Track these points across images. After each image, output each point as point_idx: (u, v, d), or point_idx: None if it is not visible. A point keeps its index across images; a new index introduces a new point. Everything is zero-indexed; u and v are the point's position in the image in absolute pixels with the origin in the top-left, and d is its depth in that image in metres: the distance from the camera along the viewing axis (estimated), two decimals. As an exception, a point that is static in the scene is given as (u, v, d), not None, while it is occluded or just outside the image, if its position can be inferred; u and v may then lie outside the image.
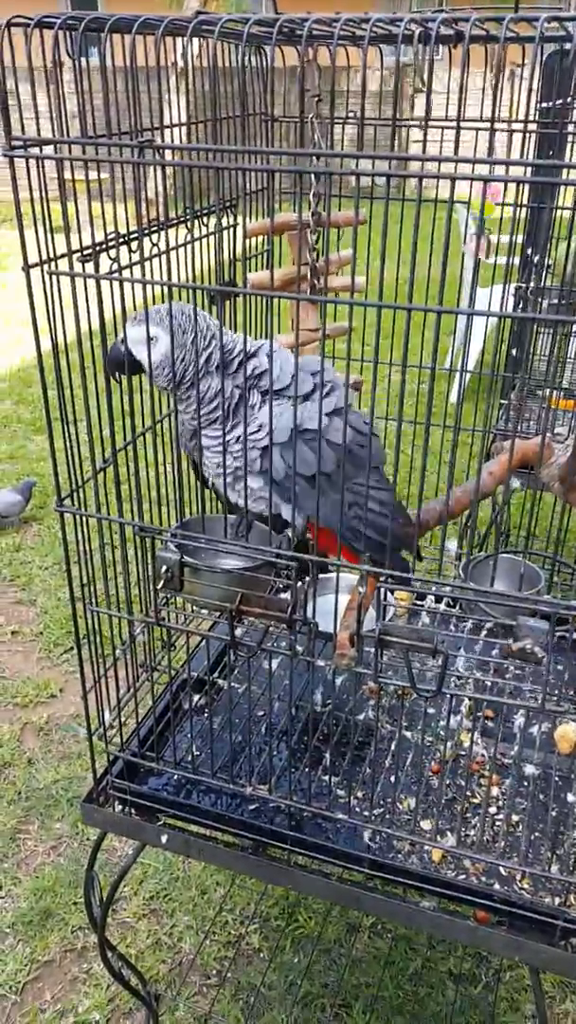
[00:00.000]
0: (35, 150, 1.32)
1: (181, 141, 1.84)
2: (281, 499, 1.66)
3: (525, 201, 3.01)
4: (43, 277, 1.40)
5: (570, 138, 2.96)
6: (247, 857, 1.69)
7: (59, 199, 1.36)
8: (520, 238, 3.24)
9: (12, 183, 1.33)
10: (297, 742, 1.88)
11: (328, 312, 2.40)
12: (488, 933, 1.53)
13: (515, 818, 1.72)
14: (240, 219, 1.97)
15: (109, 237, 1.48)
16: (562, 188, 3.04)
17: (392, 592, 1.79)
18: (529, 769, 1.80)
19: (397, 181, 1.22)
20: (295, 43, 1.61)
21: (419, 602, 2.03)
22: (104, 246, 1.46)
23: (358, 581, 1.42)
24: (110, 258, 1.46)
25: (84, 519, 1.62)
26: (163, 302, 1.61)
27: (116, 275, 1.43)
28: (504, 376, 3.22)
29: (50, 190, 1.36)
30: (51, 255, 1.39)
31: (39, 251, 1.38)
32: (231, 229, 2.00)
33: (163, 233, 1.46)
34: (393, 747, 1.85)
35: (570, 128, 2.67)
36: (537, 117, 2.70)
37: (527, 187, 2.52)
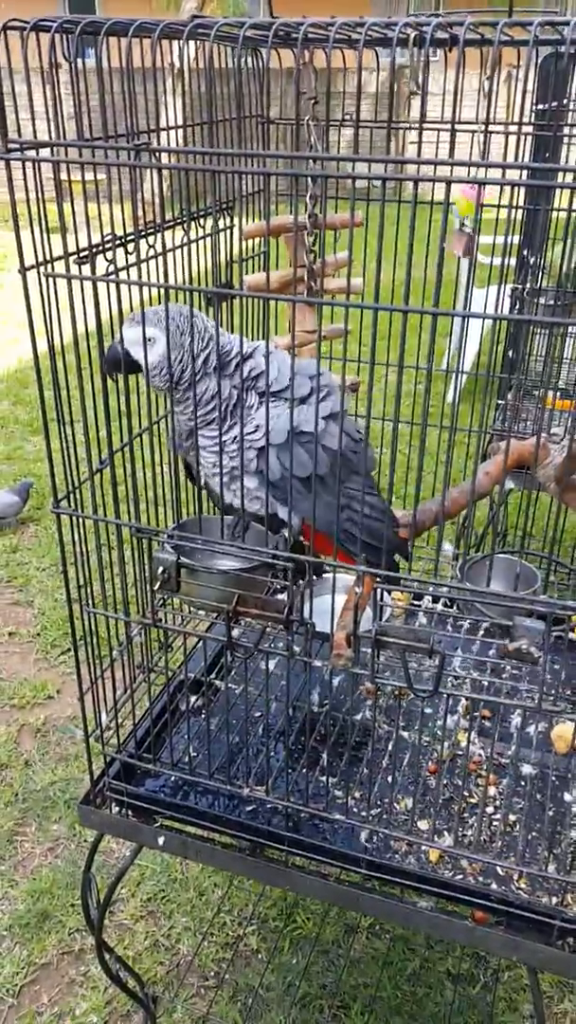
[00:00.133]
0: (31, 152, 1.32)
1: (177, 143, 1.84)
2: (276, 500, 1.67)
3: (521, 203, 3.02)
4: (40, 279, 1.40)
5: (565, 140, 2.98)
6: (244, 858, 1.69)
7: (55, 200, 1.36)
8: (516, 239, 3.25)
9: (8, 184, 1.33)
10: (294, 743, 1.88)
11: (325, 314, 2.40)
12: (486, 933, 1.53)
13: (512, 818, 1.73)
14: (237, 221, 1.98)
15: (106, 239, 1.48)
16: (557, 190, 3.04)
17: (389, 592, 1.80)
18: (526, 769, 1.81)
19: (394, 183, 1.23)
20: (291, 46, 1.61)
21: (416, 602, 2.03)
22: (101, 248, 1.46)
23: (354, 582, 1.43)
24: (107, 260, 1.47)
25: (81, 520, 1.62)
26: (160, 304, 1.61)
27: (113, 277, 1.43)
28: (500, 377, 3.22)
29: (46, 191, 1.36)
30: (48, 257, 1.40)
31: (35, 253, 1.39)
32: (228, 231, 2.00)
33: (160, 235, 1.47)
34: (390, 747, 1.85)
35: (565, 130, 2.68)
36: (533, 119, 2.71)
37: (523, 189, 2.52)
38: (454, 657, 1.90)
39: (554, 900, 1.55)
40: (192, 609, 1.75)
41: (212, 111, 1.44)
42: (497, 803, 1.76)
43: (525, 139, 2.36)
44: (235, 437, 1.63)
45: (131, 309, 1.55)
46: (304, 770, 1.78)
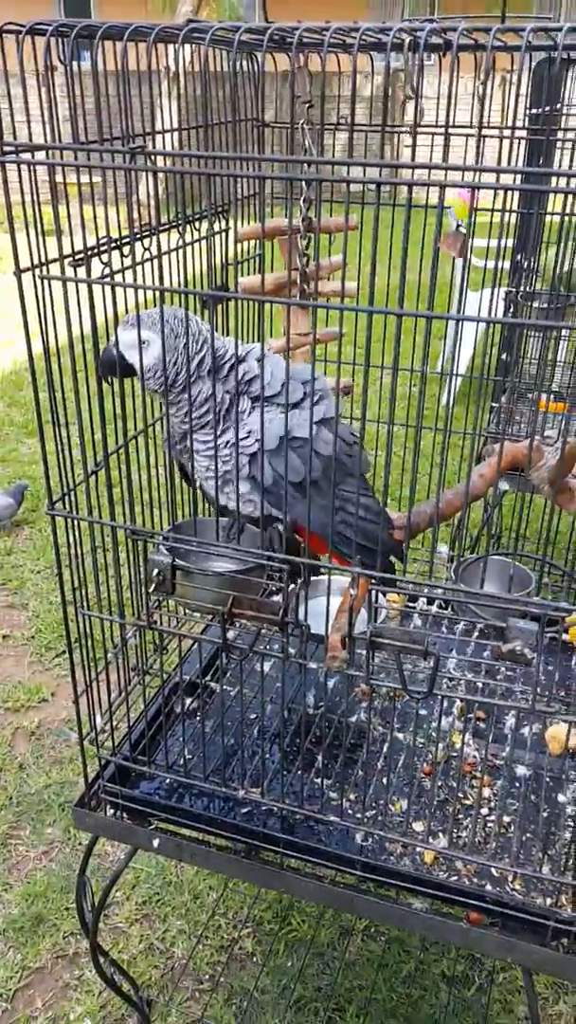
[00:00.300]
0: (27, 155, 1.32)
1: (173, 146, 1.85)
2: (270, 504, 1.67)
3: (515, 206, 3.03)
4: (35, 281, 1.40)
5: (558, 144, 2.99)
6: (239, 861, 1.69)
7: (51, 203, 1.36)
8: (510, 242, 3.27)
9: (3, 187, 1.34)
10: (289, 745, 1.89)
11: (320, 316, 2.41)
12: (480, 934, 1.53)
13: (507, 819, 1.73)
14: (232, 224, 1.98)
15: (101, 242, 1.49)
16: (551, 194, 3.06)
17: (384, 594, 1.80)
18: (520, 770, 1.81)
19: (388, 187, 1.23)
20: (286, 50, 1.62)
21: (411, 604, 2.04)
22: (96, 251, 1.47)
23: (349, 584, 1.43)
24: (102, 262, 1.47)
25: (76, 522, 1.62)
26: (155, 306, 1.61)
27: (108, 280, 1.43)
28: (494, 380, 3.23)
29: (42, 194, 1.37)
30: (43, 259, 1.40)
31: (31, 255, 1.39)
32: (223, 234, 2.01)
33: (155, 238, 1.47)
34: (385, 749, 1.86)
35: (559, 135, 2.69)
36: (526, 123, 2.72)
37: (516, 192, 2.54)
38: (449, 659, 1.91)
39: (548, 901, 1.56)
40: (187, 611, 1.75)
41: (207, 114, 1.44)
42: (492, 804, 1.76)
43: (519, 143, 2.36)
44: (228, 441, 1.64)
45: (126, 312, 1.55)
46: (299, 772, 1.78)
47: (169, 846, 1.76)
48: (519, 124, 2.59)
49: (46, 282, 1.41)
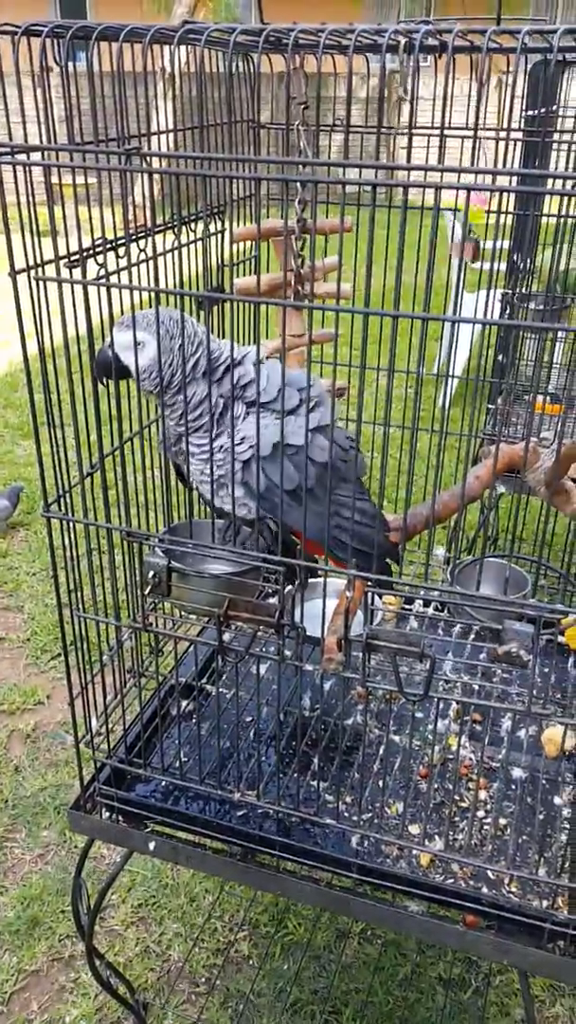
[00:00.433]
0: (22, 156, 1.32)
1: (168, 147, 1.85)
2: (264, 510, 1.67)
3: (511, 208, 3.04)
4: (30, 282, 1.40)
5: (554, 146, 2.99)
6: (235, 863, 1.69)
7: (46, 204, 1.36)
8: (506, 244, 3.27)
9: (-1, 187, 1.33)
10: (285, 747, 1.88)
11: (315, 318, 2.40)
12: (476, 937, 1.53)
13: (503, 821, 1.73)
14: (227, 225, 1.98)
15: (96, 243, 1.48)
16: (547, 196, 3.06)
17: (380, 596, 1.80)
18: (516, 772, 1.81)
19: (384, 188, 1.23)
20: (282, 51, 1.62)
21: (407, 606, 2.04)
22: (91, 252, 1.46)
23: (345, 586, 1.43)
24: (97, 264, 1.47)
25: (72, 524, 1.61)
26: (150, 308, 1.61)
27: (103, 281, 1.43)
28: (491, 381, 3.24)
29: (37, 195, 1.36)
30: (38, 260, 1.39)
31: (26, 256, 1.38)
32: (218, 235, 2.01)
33: (150, 239, 1.47)
34: (381, 751, 1.85)
35: (554, 136, 2.69)
36: (523, 125, 2.73)
37: (513, 194, 2.54)
38: (445, 661, 1.90)
39: (544, 903, 1.55)
40: (183, 613, 1.74)
41: (203, 116, 1.44)
42: (488, 807, 1.76)
43: (515, 145, 2.37)
44: (223, 446, 1.64)
45: (122, 313, 1.55)
46: (295, 775, 1.78)
47: (165, 849, 1.75)
48: (515, 126, 2.59)
49: (42, 283, 1.40)
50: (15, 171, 1.34)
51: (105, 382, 1.56)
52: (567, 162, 2.79)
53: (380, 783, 1.80)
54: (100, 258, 1.48)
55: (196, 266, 1.80)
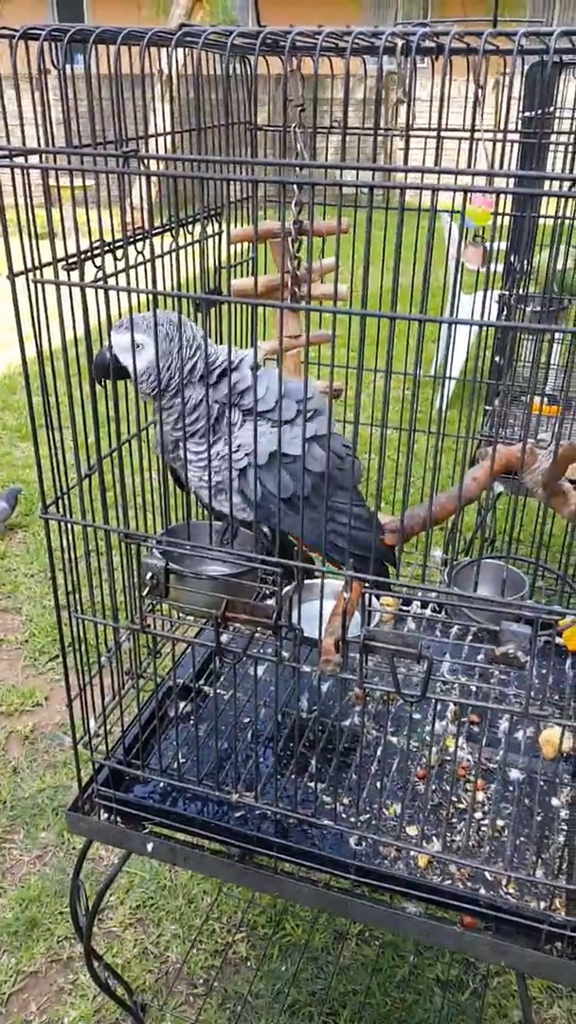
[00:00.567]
0: (20, 159, 1.32)
1: (166, 150, 1.85)
2: (261, 518, 1.68)
3: (508, 209, 3.04)
4: (28, 285, 1.40)
5: (551, 147, 3.00)
6: (233, 865, 1.69)
7: (44, 206, 1.36)
8: (503, 245, 3.27)
9: (-4, 190, 1.33)
10: (283, 749, 1.88)
11: (312, 319, 2.41)
12: (474, 938, 1.53)
13: (500, 823, 1.73)
14: (225, 227, 1.98)
15: (94, 245, 1.49)
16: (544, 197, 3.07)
17: (377, 598, 1.80)
18: (514, 774, 1.81)
19: (381, 190, 1.23)
20: (279, 53, 1.62)
21: (404, 608, 2.04)
22: (89, 254, 1.46)
23: (342, 587, 1.43)
24: (95, 266, 1.47)
25: (69, 526, 1.61)
26: (148, 310, 1.61)
27: (101, 283, 1.43)
28: (488, 383, 3.24)
29: (35, 197, 1.37)
30: (36, 263, 1.40)
31: (24, 259, 1.39)
32: (216, 237, 2.01)
33: (148, 241, 1.47)
34: (379, 753, 1.86)
35: (552, 138, 2.70)
36: (520, 127, 2.73)
37: (510, 195, 2.54)
38: (442, 662, 1.91)
39: (542, 905, 1.56)
40: (181, 615, 1.75)
41: (200, 118, 1.45)
42: (485, 808, 1.76)
43: (512, 146, 2.37)
44: (219, 453, 1.65)
45: (119, 315, 1.55)
46: (293, 776, 1.78)
47: (163, 850, 1.75)
48: (512, 127, 2.60)
49: (39, 286, 1.40)
50: (13, 174, 1.34)
51: (103, 383, 1.57)
52: (564, 163, 2.79)
53: (378, 784, 1.80)
54: (98, 260, 1.48)
55: (194, 268, 1.80)
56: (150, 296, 1.41)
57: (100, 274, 1.47)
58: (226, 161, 1.22)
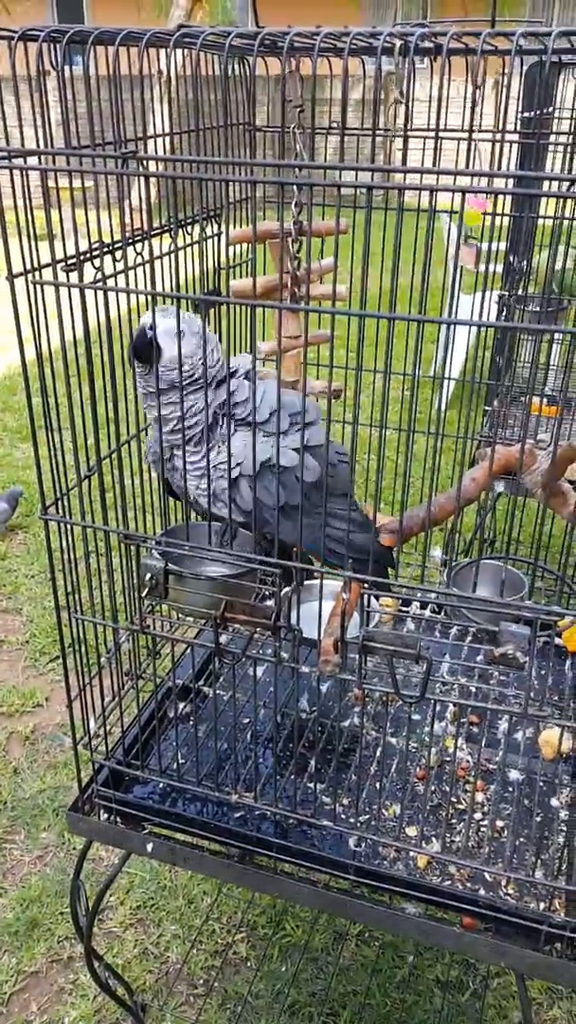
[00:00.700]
0: (19, 160, 1.32)
1: (165, 151, 1.85)
2: (256, 525, 1.69)
3: (507, 210, 3.04)
4: (27, 286, 1.40)
5: (551, 148, 2.99)
6: (233, 865, 1.69)
7: (43, 208, 1.36)
8: (502, 245, 3.27)
9: (-5, 192, 1.34)
10: (282, 749, 1.88)
11: (311, 320, 2.41)
12: (474, 939, 1.53)
13: (500, 824, 1.73)
14: (224, 228, 1.98)
15: (94, 246, 1.49)
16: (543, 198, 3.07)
17: (377, 599, 1.80)
18: (514, 775, 1.81)
19: (380, 190, 1.24)
20: (278, 54, 1.62)
21: (404, 608, 2.04)
22: (88, 255, 1.47)
23: (341, 588, 1.43)
24: (94, 267, 1.47)
25: (69, 527, 1.62)
26: (147, 311, 1.62)
27: (100, 284, 1.43)
28: (487, 383, 3.24)
29: (34, 198, 1.37)
30: (35, 264, 1.40)
31: (23, 260, 1.39)
32: (215, 238, 2.01)
33: (147, 242, 1.47)
34: (378, 754, 1.86)
35: (551, 138, 2.70)
36: (519, 127, 2.73)
37: (509, 196, 2.54)
38: (442, 663, 1.91)
39: (542, 906, 1.56)
40: (180, 615, 1.75)
41: (199, 119, 1.45)
42: (485, 809, 1.76)
43: (511, 147, 2.37)
44: (213, 461, 1.68)
45: (119, 316, 1.55)
46: (292, 776, 1.78)
47: (163, 850, 1.75)
48: (511, 128, 2.60)
49: (39, 287, 1.41)
50: (12, 175, 1.34)
51: (135, 366, 1.59)
52: (563, 164, 2.79)
53: (377, 785, 1.80)
54: (97, 262, 1.48)
55: (193, 269, 1.81)
56: (149, 297, 1.41)
57: (99, 275, 1.47)
58: (225, 162, 1.22)
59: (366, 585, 1.43)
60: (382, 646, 1.33)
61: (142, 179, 1.32)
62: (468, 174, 1.11)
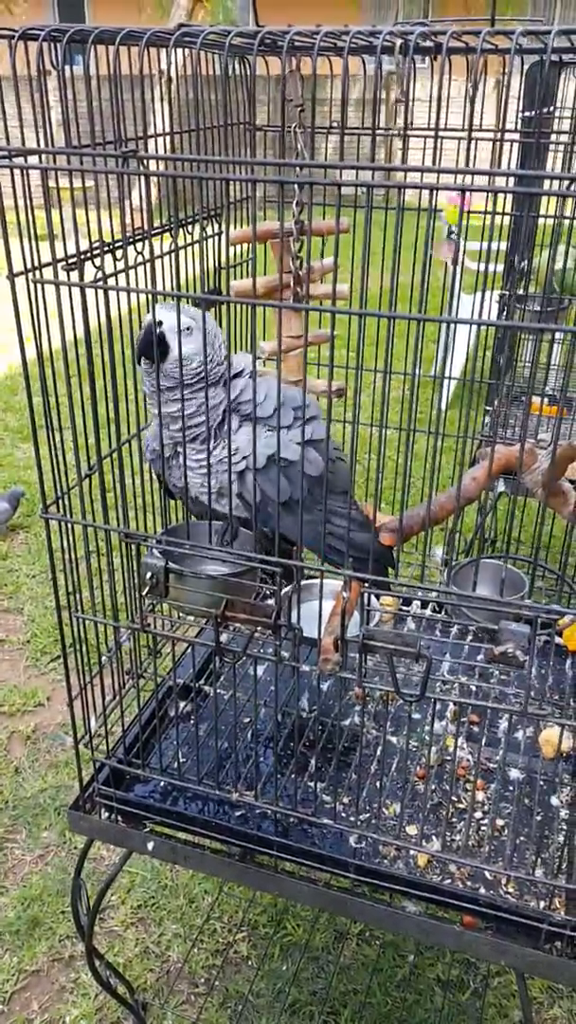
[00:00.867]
0: (20, 160, 1.32)
1: (165, 150, 1.85)
2: (259, 521, 1.69)
3: (508, 209, 3.04)
4: (28, 285, 1.40)
5: (551, 147, 3.00)
6: (234, 863, 1.69)
7: (44, 207, 1.36)
8: (502, 245, 3.27)
9: (-4, 191, 1.34)
10: (283, 748, 1.88)
11: (312, 319, 2.41)
12: (474, 938, 1.53)
13: (500, 822, 1.73)
14: (224, 227, 1.99)
15: (94, 246, 1.49)
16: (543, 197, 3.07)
17: (377, 598, 1.80)
18: (514, 773, 1.81)
19: (381, 189, 1.24)
20: (278, 53, 1.62)
21: (404, 607, 2.04)
22: (89, 254, 1.47)
23: (342, 587, 1.43)
24: (95, 266, 1.47)
25: (70, 526, 1.62)
26: (148, 311, 1.62)
27: (101, 283, 1.43)
28: (488, 383, 3.24)
29: (35, 198, 1.37)
30: (36, 263, 1.40)
31: (24, 259, 1.39)
32: (215, 237, 2.01)
33: (148, 241, 1.47)
34: (379, 752, 1.86)
35: (552, 137, 2.70)
36: (519, 126, 2.73)
37: (510, 195, 2.54)
38: (442, 662, 1.91)
39: (542, 904, 1.56)
40: (181, 614, 1.75)
41: (199, 118, 1.45)
42: (485, 808, 1.76)
43: (511, 146, 2.37)
44: (218, 457, 1.68)
45: (119, 316, 1.55)
46: (293, 775, 1.78)
47: (164, 849, 1.75)
48: (511, 127, 2.59)
49: (39, 286, 1.41)
50: (13, 175, 1.34)
51: (140, 363, 1.59)
52: (564, 163, 2.79)
53: (377, 784, 1.80)
54: (98, 261, 1.48)
55: (194, 268, 1.81)
56: (150, 296, 1.41)
57: (100, 274, 1.47)
58: (225, 161, 1.22)
59: (366, 584, 1.43)
60: (382, 645, 1.33)
61: (142, 178, 1.33)
62: (468, 172, 1.11)
